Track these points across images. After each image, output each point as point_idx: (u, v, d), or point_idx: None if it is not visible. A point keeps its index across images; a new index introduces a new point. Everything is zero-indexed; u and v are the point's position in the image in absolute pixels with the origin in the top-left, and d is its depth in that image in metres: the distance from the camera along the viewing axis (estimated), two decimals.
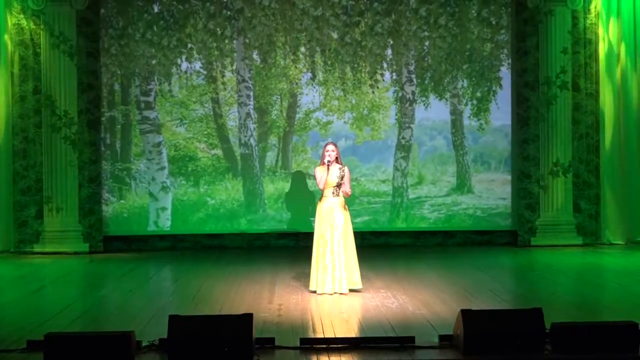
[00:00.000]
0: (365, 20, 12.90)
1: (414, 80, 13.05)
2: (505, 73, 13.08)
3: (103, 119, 12.77)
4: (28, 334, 6.82)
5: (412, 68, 13.03)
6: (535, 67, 12.81)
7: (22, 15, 12.41)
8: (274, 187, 13.05)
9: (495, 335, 6.18)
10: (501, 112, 13.14)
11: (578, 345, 6.19)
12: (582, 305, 8.35)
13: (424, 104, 13.10)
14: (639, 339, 6.29)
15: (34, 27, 12.41)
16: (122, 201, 12.87)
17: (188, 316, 6.38)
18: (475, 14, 12.98)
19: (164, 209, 12.93)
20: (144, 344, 6.37)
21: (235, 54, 12.91)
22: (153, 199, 12.91)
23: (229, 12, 12.83)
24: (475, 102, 13.12)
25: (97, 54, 12.62)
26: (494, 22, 13.02)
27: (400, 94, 13.07)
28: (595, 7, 12.85)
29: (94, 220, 12.52)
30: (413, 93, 13.07)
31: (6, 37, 12.47)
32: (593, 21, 12.86)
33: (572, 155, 12.85)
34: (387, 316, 7.56)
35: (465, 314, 6.24)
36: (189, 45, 12.82)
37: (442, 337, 6.52)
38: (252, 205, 13.02)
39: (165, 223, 12.90)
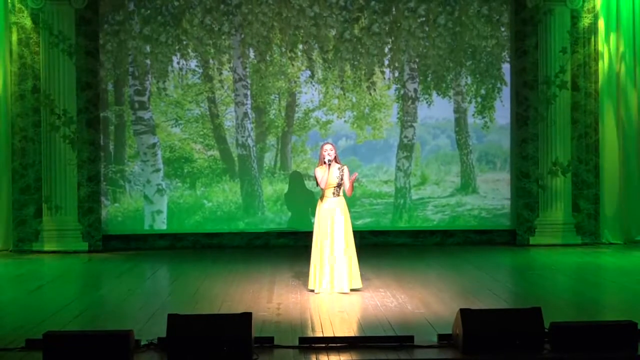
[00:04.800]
0: (364, 20, 12.89)
1: (416, 77, 13.02)
2: (506, 71, 13.07)
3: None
4: (27, 332, 6.83)
5: (414, 65, 13.00)
6: (535, 66, 12.82)
7: (21, 14, 12.40)
8: (273, 188, 13.00)
9: (494, 334, 6.19)
10: (506, 109, 13.10)
11: (577, 345, 6.19)
12: (581, 305, 8.35)
13: (427, 102, 13.07)
14: (638, 338, 6.30)
15: (33, 25, 12.41)
16: (116, 204, 12.81)
17: (187, 315, 6.38)
18: (475, 11, 12.97)
19: (159, 212, 12.87)
20: (142, 343, 6.37)
21: (232, 51, 12.87)
22: (148, 201, 12.86)
23: (226, 8, 12.81)
24: (479, 99, 13.09)
25: (96, 53, 12.61)
26: (494, 19, 13.03)
27: (402, 92, 13.04)
28: (594, 7, 12.86)
29: (93, 219, 12.52)
30: (415, 91, 13.04)
31: (5, 35, 12.46)
32: (592, 21, 12.87)
33: (571, 154, 12.86)
34: (386, 315, 7.56)
35: (464, 313, 6.24)
36: (185, 42, 12.79)
37: (441, 337, 6.52)
38: (251, 208, 12.98)
39: (161, 226, 12.84)
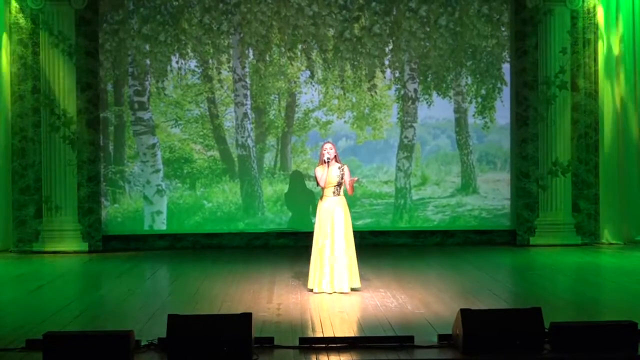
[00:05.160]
0: (364, 19, 12.89)
1: (416, 77, 13.01)
2: (506, 71, 13.07)
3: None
4: (27, 333, 6.83)
5: (414, 65, 12.99)
6: (535, 66, 12.83)
7: (21, 15, 12.41)
8: (273, 189, 12.99)
9: (494, 334, 6.19)
10: (506, 110, 13.09)
11: (577, 345, 6.19)
12: (581, 305, 8.35)
13: (427, 102, 13.06)
14: (638, 338, 6.30)
15: (33, 26, 12.41)
16: (115, 205, 12.80)
17: (187, 315, 6.38)
18: (475, 11, 12.97)
19: (159, 212, 12.86)
20: (143, 343, 6.37)
21: (231, 51, 12.86)
22: (148, 202, 12.85)
23: (225, 7, 12.80)
24: (480, 99, 13.08)
25: (96, 53, 12.61)
26: (494, 19, 13.03)
27: (402, 92, 13.03)
28: (595, 7, 12.87)
29: (93, 219, 12.51)
30: (415, 91, 13.03)
31: (5, 36, 12.47)
32: (592, 21, 12.88)
33: (571, 154, 12.86)
34: (386, 315, 7.56)
35: (465, 313, 6.24)
36: (184, 41, 12.78)
37: (441, 337, 6.52)
38: (251, 208, 12.97)
39: (160, 227, 12.83)
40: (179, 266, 11.21)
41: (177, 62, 12.80)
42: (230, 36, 12.83)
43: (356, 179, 9.22)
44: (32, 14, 12.41)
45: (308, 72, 12.97)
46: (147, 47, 12.74)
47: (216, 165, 12.98)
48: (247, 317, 6.20)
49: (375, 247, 12.68)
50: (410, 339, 6.48)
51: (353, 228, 9.07)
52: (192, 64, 12.85)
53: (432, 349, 6.37)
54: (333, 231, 8.83)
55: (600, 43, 12.93)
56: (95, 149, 12.59)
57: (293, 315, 7.64)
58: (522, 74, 12.87)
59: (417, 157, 13.12)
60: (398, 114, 13.06)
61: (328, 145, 8.95)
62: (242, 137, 12.95)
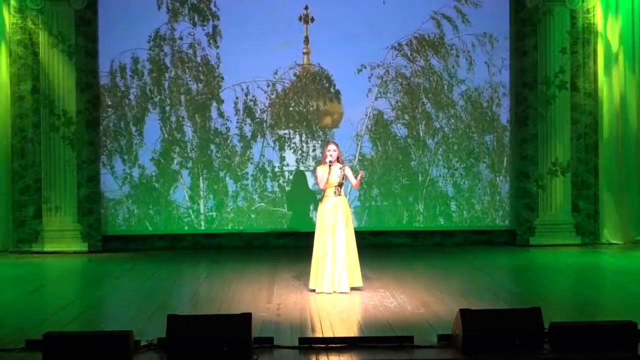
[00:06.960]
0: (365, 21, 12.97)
1: (417, 77, 13.00)
2: (506, 71, 13.07)
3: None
4: (27, 333, 6.83)
5: (414, 65, 12.99)
6: (534, 66, 12.82)
7: (20, 15, 12.41)
8: (273, 189, 12.99)
9: (494, 334, 6.19)
10: (506, 109, 13.07)
11: (577, 345, 6.19)
12: (580, 305, 8.36)
13: (428, 102, 13.04)
14: (637, 338, 6.31)
15: (33, 26, 12.41)
16: (115, 205, 12.81)
17: (187, 316, 6.39)
18: (474, 11, 13.00)
19: (158, 212, 12.86)
20: (142, 344, 6.37)
21: (233, 53, 12.86)
22: (147, 202, 12.85)
23: (226, 9, 12.82)
24: (479, 100, 13.07)
25: (96, 54, 12.61)
26: (493, 19, 13.03)
27: (402, 92, 13.02)
28: (594, 7, 12.87)
29: (93, 219, 12.52)
30: (415, 91, 13.03)
31: (5, 36, 12.47)
32: (591, 21, 12.88)
33: (570, 154, 12.86)
34: (385, 316, 7.57)
35: (464, 313, 6.25)
36: (185, 43, 12.80)
37: (440, 337, 6.52)
38: (251, 208, 12.96)
39: (160, 227, 12.83)
40: (179, 266, 11.22)
41: (178, 63, 12.79)
42: (232, 41, 12.81)
43: (362, 174, 9.01)
44: (32, 14, 12.41)
45: (309, 71, 12.96)
46: (148, 49, 12.73)
47: (216, 165, 12.96)
48: (246, 317, 6.20)
49: (375, 247, 12.68)
50: (410, 339, 6.48)
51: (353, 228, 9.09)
52: (193, 63, 12.84)
53: (432, 349, 6.37)
54: (334, 231, 8.83)
55: (599, 43, 12.93)
56: (95, 149, 12.59)
57: (293, 315, 7.64)
58: (522, 74, 12.87)
59: (418, 157, 13.10)
60: (398, 113, 13.05)
61: (332, 147, 8.94)
62: (242, 136, 12.94)
